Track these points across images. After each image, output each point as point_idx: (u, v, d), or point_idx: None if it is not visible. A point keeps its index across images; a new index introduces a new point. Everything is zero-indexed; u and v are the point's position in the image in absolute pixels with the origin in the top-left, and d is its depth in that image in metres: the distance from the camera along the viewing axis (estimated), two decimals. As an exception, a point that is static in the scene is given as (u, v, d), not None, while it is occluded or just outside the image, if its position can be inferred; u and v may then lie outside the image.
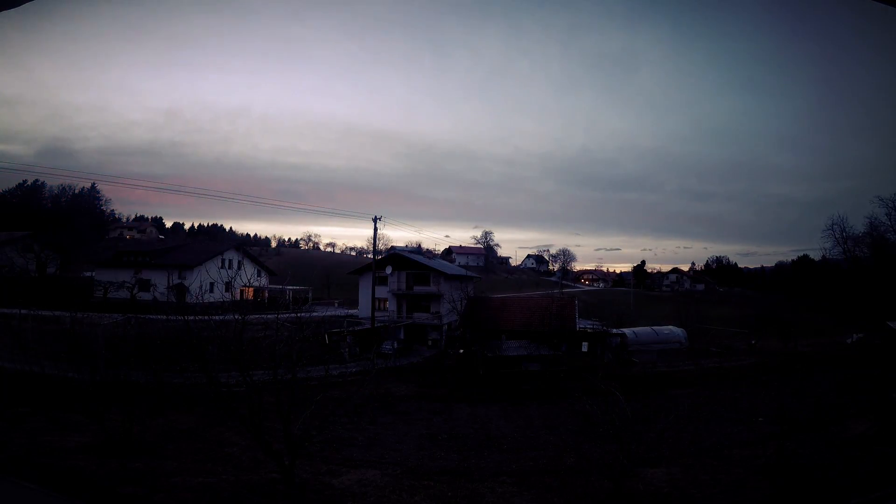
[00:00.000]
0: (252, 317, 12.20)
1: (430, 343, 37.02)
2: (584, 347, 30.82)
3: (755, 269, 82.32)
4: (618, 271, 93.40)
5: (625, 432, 8.88)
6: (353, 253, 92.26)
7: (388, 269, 40.43)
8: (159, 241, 62.78)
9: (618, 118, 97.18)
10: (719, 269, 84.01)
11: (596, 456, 8.07)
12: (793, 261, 69.72)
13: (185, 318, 9.89)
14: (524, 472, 7.17)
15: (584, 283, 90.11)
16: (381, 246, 54.05)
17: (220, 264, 45.43)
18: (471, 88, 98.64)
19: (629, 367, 27.84)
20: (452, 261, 72.22)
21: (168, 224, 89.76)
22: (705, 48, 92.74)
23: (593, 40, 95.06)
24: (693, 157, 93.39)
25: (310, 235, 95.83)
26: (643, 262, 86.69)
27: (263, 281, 49.10)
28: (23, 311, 22.81)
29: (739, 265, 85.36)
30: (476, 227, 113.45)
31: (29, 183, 67.73)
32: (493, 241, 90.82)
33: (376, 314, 35.59)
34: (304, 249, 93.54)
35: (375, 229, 36.73)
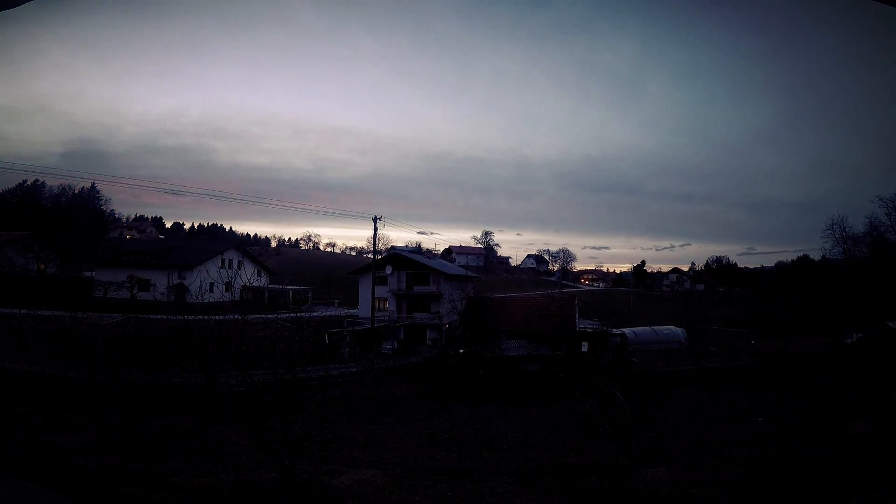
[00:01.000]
0: (252, 317, 12.20)
1: (430, 343, 37.01)
2: (584, 347, 30.79)
3: (755, 269, 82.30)
4: (618, 271, 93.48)
5: (625, 432, 8.88)
6: (353, 253, 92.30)
7: (388, 269, 40.44)
8: (159, 241, 62.73)
9: (622, 128, 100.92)
10: (719, 269, 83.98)
11: (596, 456, 8.08)
12: (793, 261, 69.76)
13: (185, 317, 9.88)
14: (524, 472, 7.17)
15: (584, 283, 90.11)
16: (381, 246, 54.06)
17: (220, 264, 45.44)
18: (491, 103, 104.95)
19: (629, 366, 27.82)
20: (452, 261, 72.21)
21: (168, 224, 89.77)
22: (706, 56, 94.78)
23: (606, 60, 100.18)
24: (692, 161, 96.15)
25: (310, 235, 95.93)
26: (643, 262, 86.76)
27: (263, 281, 49.08)
28: (23, 311, 22.80)
29: (739, 265, 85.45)
30: (479, 228, 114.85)
31: (29, 183, 67.73)
32: (493, 241, 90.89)
33: (376, 314, 35.58)
34: (304, 249, 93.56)
35: (375, 229, 36.72)
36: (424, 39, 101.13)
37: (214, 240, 73.12)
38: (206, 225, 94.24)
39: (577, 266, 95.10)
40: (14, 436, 7.95)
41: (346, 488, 5.93)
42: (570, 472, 6.88)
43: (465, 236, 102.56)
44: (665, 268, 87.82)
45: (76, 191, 72.45)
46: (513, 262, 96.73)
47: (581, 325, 35.31)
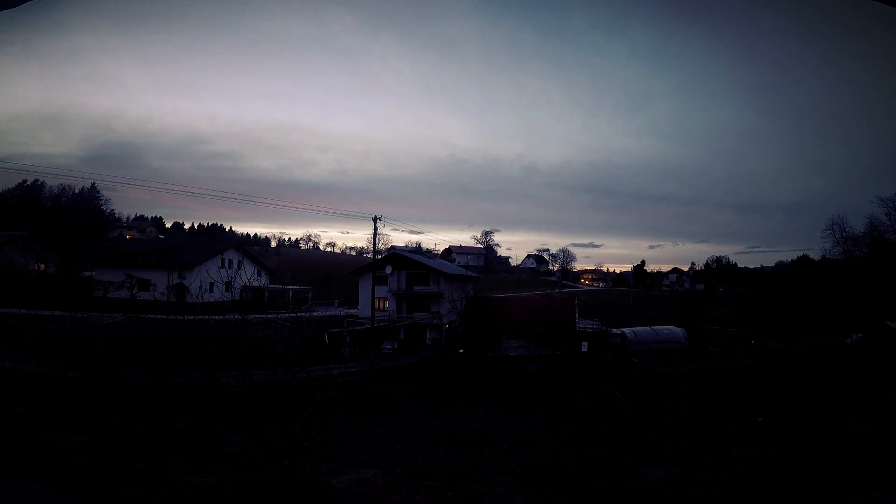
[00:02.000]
0: (252, 316, 12.20)
1: (430, 343, 37.01)
2: (584, 347, 30.80)
3: (755, 269, 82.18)
4: (618, 271, 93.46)
5: (625, 432, 8.88)
6: (353, 253, 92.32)
7: (388, 269, 40.44)
8: (159, 241, 62.76)
9: (627, 138, 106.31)
10: (719, 269, 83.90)
11: (596, 456, 8.09)
12: (792, 261, 69.67)
13: (185, 317, 9.88)
14: (524, 471, 7.18)
15: (583, 283, 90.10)
16: (381, 246, 54.05)
17: (220, 264, 45.46)
18: (511, 117, 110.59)
19: (629, 366, 27.82)
20: (452, 260, 72.19)
21: (168, 224, 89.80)
22: (706, 67, 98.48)
23: (616, 77, 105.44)
24: (692, 166, 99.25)
25: (310, 235, 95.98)
26: (643, 262, 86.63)
27: (263, 281, 49.09)
28: (23, 311, 22.80)
29: (739, 265, 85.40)
30: (481, 229, 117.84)
31: (29, 183, 67.74)
32: (493, 240, 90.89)
33: (376, 314, 35.59)
34: (304, 249, 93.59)
35: (375, 229, 36.78)
36: (451, 57, 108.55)
37: (214, 240, 73.11)
38: (206, 225, 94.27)
39: (577, 266, 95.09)
40: (14, 436, 7.95)
41: (345, 488, 5.93)
42: (570, 472, 6.89)
43: (464, 237, 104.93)
44: (665, 268, 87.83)
45: (76, 191, 72.49)
46: (513, 262, 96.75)
47: (581, 325, 35.33)
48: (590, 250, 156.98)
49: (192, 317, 13.41)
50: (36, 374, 16.32)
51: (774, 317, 40.29)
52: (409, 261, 42.12)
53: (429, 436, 14.66)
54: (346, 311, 42.48)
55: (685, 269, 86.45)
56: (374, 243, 39.64)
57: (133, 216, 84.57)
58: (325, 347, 28.48)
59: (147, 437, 9.03)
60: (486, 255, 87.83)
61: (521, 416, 18.79)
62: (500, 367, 26.64)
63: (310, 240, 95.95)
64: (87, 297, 36.36)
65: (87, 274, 45.32)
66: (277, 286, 48.14)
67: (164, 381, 17.05)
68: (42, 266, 43.17)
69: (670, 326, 34.70)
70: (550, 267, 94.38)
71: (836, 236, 47.09)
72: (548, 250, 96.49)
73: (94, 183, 73.35)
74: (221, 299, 31.19)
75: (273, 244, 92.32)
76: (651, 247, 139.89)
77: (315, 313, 39.68)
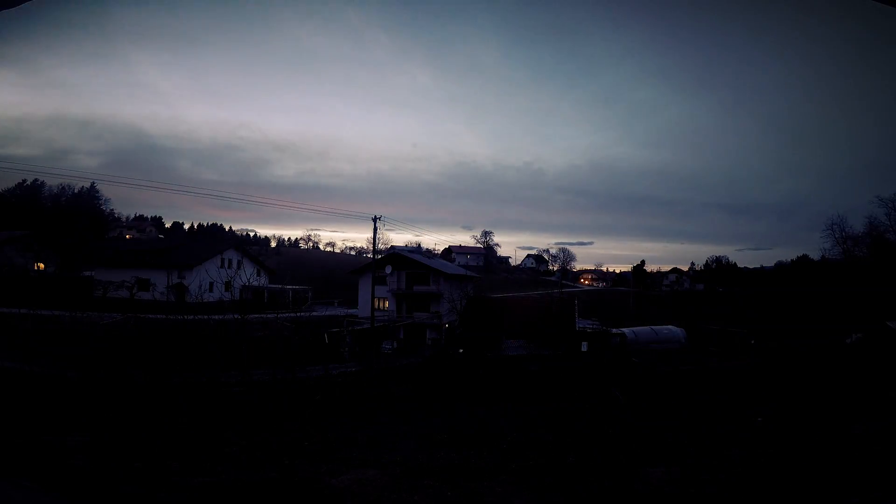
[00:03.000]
0: (252, 316, 12.20)
1: (429, 343, 37.02)
2: (584, 347, 30.84)
3: (755, 268, 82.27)
4: (618, 271, 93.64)
5: (625, 432, 8.88)
6: (353, 253, 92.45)
7: (388, 269, 40.46)
8: (159, 241, 62.76)
9: (631, 146, 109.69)
10: (719, 269, 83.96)
11: (596, 456, 8.09)
12: (792, 261, 69.80)
13: (185, 317, 9.88)
14: (524, 471, 7.18)
15: (583, 283, 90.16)
16: (381, 245, 54.06)
17: (219, 264, 45.49)
18: (523, 129, 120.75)
19: (628, 366, 27.83)
20: (452, 260, 72.21)
21: (168, 224, 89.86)
22: (707, 75, 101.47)
23: (627, 91, 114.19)
24: (691, 170, 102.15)
25: (310, 235, 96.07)
26: (643, 262, 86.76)
27: (263, 280, 49.11)
28: (22, 311, 22.79)
29: (739, 265, 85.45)
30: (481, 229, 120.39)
31: (29, 183, 67.72)
32: (493, 240, 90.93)
33: (376, 314, 35.59)
34: (304, 249, 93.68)
35: (375, 229, 36.77)
36: (473, 76, 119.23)
37: (214, 240, 73.16)
38: (205, 225, 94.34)
39: (577, 266, 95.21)
40: (14, 436, 7.95)
41: (345, 488, 5.93)
42: (570, 471, 6.89)
43: (465, 237, 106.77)
44: (665, 268, 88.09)
45: (76, 191, 72.51)
46: (513, 262, 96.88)
47: (581, 325, 35.38)
48: (590, 250, 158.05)
49: (191, 316, 13.40)
50: (36, 373, 16.32)
51: (774, 317, 40.31)
52: (408, 261, 42.14)
53: (429, 436, 14.62)
54: (345, 310, 42.50)
55: (685, 269, 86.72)
56: (374, 243, 39.67)
57: (133, 216, 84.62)
58: (325, 347, 28.48)
59: (147, 437, 9.02)
60: (486, 255, 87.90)
61: (522, 416, 18.76)
62: (500, 367, 26.62)
63: (309, 239, 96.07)
64: (86, 297, 36.34)
65: (87, 274, 45.31)
66: (277, 286, 48.14)
67: (164, 380, 17.04)
68: (42, 266, 43.16)
69: (670, 326, 34.72)
70: (550, 267, 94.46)
71: (836, 236, 47.18)
72: (548, 250, 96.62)
73: (94, 183, 73.37)
74: (221, 299, 31.16)
75: (273, 244, 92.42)
76: (650, 247, 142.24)
77: (315, 313, 39.69)
